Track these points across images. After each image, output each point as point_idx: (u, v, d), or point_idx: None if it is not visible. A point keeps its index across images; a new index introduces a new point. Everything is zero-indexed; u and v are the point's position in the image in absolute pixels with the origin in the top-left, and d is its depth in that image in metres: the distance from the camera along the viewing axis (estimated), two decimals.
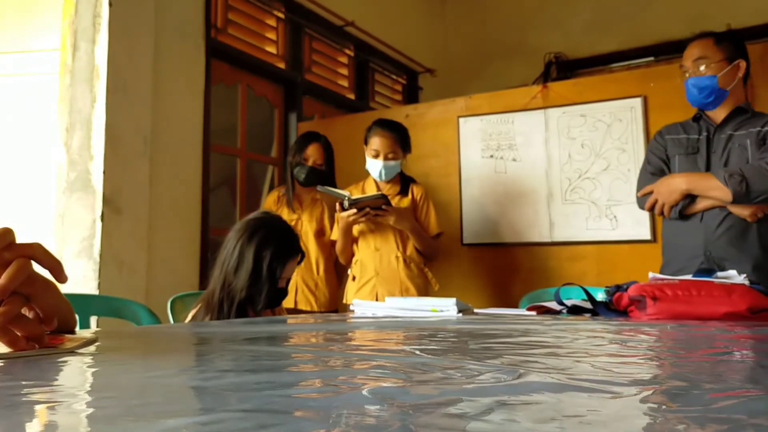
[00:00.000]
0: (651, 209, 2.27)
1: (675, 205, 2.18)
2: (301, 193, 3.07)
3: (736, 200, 2.06)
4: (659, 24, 4.62)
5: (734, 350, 0.82)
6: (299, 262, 1.97)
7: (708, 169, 2.19)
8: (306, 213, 3.03)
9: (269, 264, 1.84)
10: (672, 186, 2.18)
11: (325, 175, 3.00)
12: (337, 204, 2.64)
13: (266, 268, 1.83)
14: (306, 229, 3.00)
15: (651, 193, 2.24)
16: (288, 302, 2.78)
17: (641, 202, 2.31)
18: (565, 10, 5.21)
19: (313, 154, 3.00)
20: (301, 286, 2.95)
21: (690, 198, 2.16)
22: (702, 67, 2.18)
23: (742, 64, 2.19)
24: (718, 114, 2.22)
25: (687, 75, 2.22)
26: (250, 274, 1.83)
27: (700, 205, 2.16)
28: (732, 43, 2.21)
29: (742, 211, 2.10)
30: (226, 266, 1.86)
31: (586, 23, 5.12)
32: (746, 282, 1.40)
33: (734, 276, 1.47)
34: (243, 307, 1.85)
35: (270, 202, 3.12)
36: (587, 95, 3.12)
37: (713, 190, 2.09)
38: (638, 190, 2.34)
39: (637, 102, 2.98)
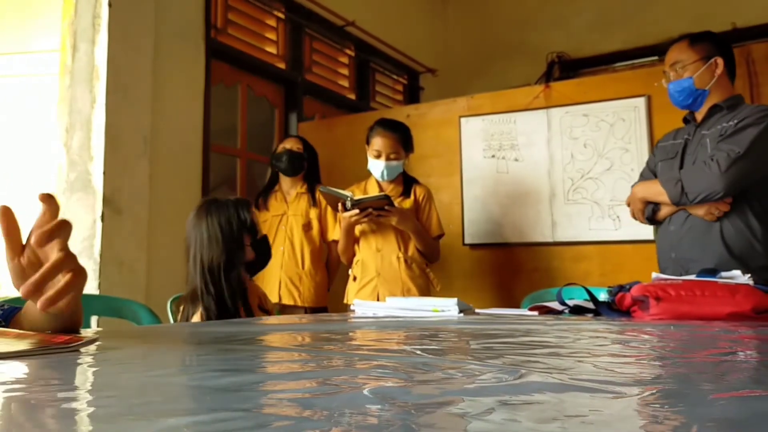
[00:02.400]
0: (633, 217, 2.32)
1: (642, 212, 2.24)
2: (286, 188, 3.14)
3: (676, 203, 2.08)
4: (663, 23, 4.61)
5: (738, 350, 0.81)
6: (257, 207, 2.11)
7: None
8: (291, 207, 3.09)
9: (229, 223, 1.94)
10: (633, 196, 2.25)
11: (304, 159, 3.08)
12: (339, 204, 2.64)
13: (228, 228, 1.94)
14: (292, 224, 3.06)
15: None
16: (272, 296, 2.83)
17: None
18: (568, 9, 5.20)
19: (288, 143, 3.11)
20: (285, 280, 2.99)
21: (657, 204, 2.20)
22: (678, 70, 2.20)
23: (719, 60, 2.16)
24: (700, 115, 2.24)
25: (669, 79, 2.25)
26: (221, 242, 1.92)
27: (664, 210, 2.19)
28: (709, 41, 2.20)
29: (697, 212, 2.10)
30: (199, 253, 1.93)
31: (589, 22, 5.11)
32: (750, 282, 1.39)
33: (738, 276, 1.46)
34: (234, 278, 1.93)
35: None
36: (590, 95, 3.12)
37: (659, 195, 2.13)
38: None
39: (641, 101, 2.98)
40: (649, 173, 2.33)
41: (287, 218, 3.07)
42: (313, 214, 3.06)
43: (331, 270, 3.13)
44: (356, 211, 2.59)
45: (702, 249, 2.09)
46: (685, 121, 2.31)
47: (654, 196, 2.17)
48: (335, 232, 2.97)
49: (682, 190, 2.04)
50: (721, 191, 2.00)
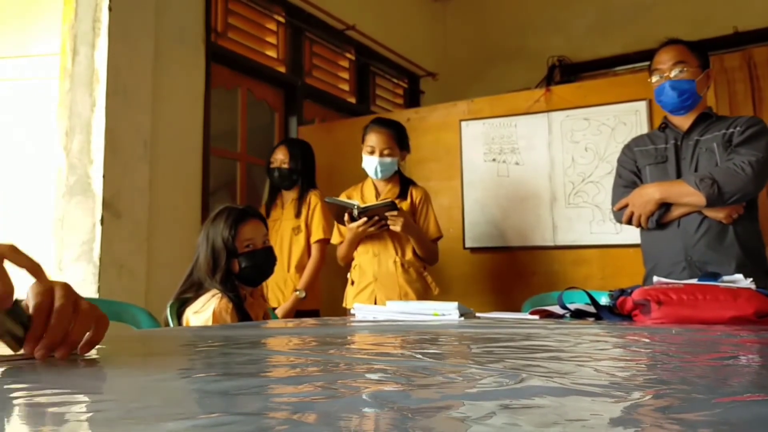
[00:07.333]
0: (628, 222, 2.27)
1: (651, 215, 2.19)
2: (285, 195, 3.20)
3: (710, 203, 2.07)
4: (664, 27, 4.59)
5: (740, 355, 0.81)
6: (261, 220, 2.11)
7: (679, 176, 2.19)
8: (285, 212, 3.14)
9: (223, 236, 1.99)
10: (646, 197, 2.19)
11: (293, 172, 3.12)
12: (346, 214, 2.61)
13: (221, 241, 1.98)
14: (283, 228, 3.10)
15: (626, 206, 2.25)
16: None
17: (617, 216, 2.32)
18: (567, 13, 5.21)
19: (278, 156, 3.15)
20: (271, 283, 2.97)
21: (665, 206, 2.17)
22: (681, 71, 2.18)
23: (712, 73, 2.26)
24: (684, 121, 2.24)
25: (663, 77, 2.21)
26: (208, 255, 1.98)
27: (676, 212, 2.17)
28: (702, 53, 2.24)
29: (717, 214, 2.10)
30: (195, 262, 2.04)
31: (589, 26, 5.11)
32: (752, 286, 1.39)
33: (740, 280, 1.46)
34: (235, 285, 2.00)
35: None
36: (591, 98, 3.12)
37: (686, 196, 2.10)
38: (613, 204, 2.35)
39: (642, 105, 2.98)
40: (630, 174, 2.30)
41: (280, 223, 3.11)
42: (302, 217, 3.07)
43: (311, 271, 3.06)
44: (364, 220, 2.57)
45: (719, 251, 2.11)
46: (662, 127, 2.31)
47: (677, 198, 2.13)
48: (319, 233, 3.00)
49: (719, 190, 2.04)
50: (753, 192, 2.08)
